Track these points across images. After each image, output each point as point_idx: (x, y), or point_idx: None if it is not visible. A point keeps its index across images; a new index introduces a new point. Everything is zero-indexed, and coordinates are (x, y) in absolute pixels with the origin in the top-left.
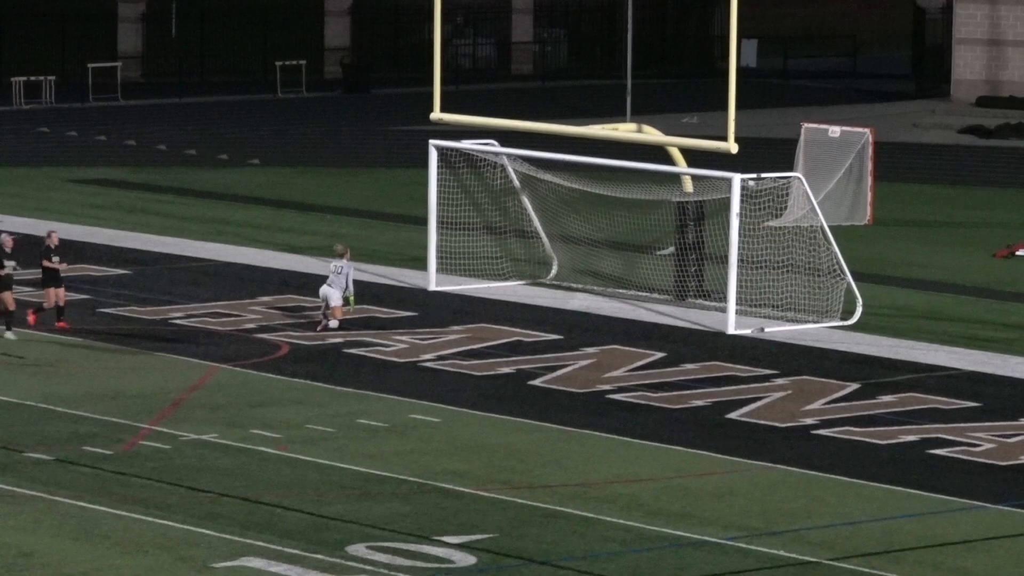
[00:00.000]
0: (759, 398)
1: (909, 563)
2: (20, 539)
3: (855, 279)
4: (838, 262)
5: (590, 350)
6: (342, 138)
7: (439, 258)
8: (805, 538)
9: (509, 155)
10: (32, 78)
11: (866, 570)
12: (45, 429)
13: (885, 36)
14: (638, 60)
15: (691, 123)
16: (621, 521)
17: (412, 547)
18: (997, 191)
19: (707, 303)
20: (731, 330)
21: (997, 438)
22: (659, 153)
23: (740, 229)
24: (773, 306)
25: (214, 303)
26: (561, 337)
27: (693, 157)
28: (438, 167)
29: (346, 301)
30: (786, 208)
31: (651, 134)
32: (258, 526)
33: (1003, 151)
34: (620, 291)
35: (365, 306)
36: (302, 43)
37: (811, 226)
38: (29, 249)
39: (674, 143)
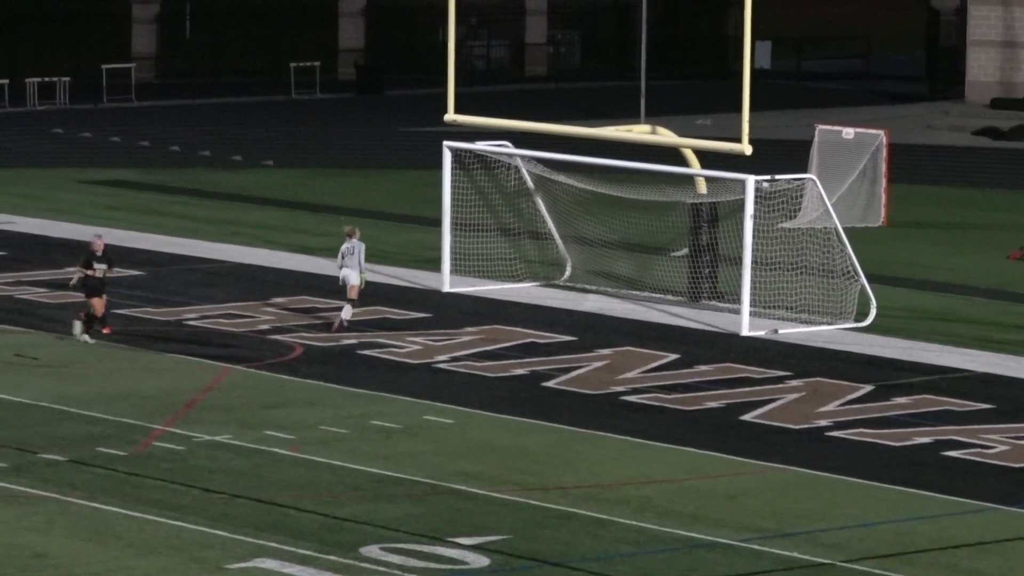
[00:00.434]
0: (773, 400)
1: (922, 565)
2: (34, 540)
3: (869, 281)
4: (852, 264)
5: (604, 351)
6: (356, 139)
7: (453, 259)
8: (818, 540)
9: (523, 156)
10: (46, 79)
11: (879, 572)
12: (59, 430)
13: (899, 38)
14: (652, 62)
15: (705, 125)
16: (634, 522)
17: (425, 548)
18: (1011, 193)
19: (721, 305)
20: (745, 332)
21: (1011, 440)
22: (673, 155)
23: (754, 231)
24: (787, 308)
25: (228, 304)
26: (575, 338)
27: (707, 159)
28: (452, 168)
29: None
30: (800, 210)
31: (665, 136)
32: (272, 527)
33: (1017, 153)
34: (634, 292)
35: (378, 307)
36: (316, 44)
37: (825, 228)
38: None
39: (688, 145)
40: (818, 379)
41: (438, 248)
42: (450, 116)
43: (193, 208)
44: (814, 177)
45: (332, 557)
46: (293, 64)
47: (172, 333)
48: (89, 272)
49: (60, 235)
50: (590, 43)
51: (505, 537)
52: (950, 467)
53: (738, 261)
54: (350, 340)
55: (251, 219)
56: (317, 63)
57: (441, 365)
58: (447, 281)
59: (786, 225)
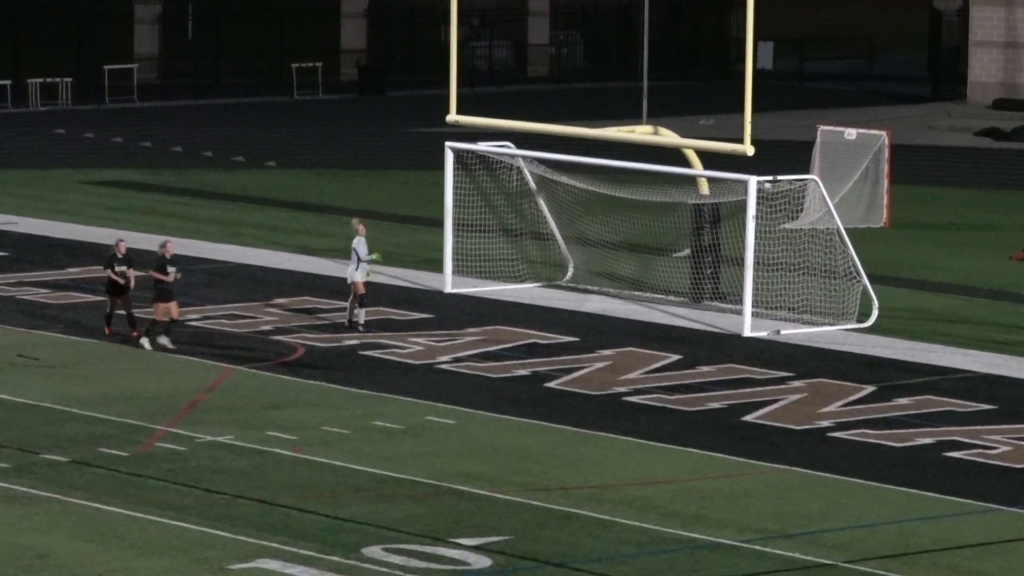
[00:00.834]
0: (775, 400)
1: (924, 566)
2: (36, 540)
3: (871, 281)
4: (854, 264)
5: (606, 352)
6: (358, 140)
7: (455, 260)
8: (820, 540)
9: (525, 157)
10: (49, 80)
11: (881, 572)
12: (61, 430)
13: (901, 38)
14: (654, 62)
15: (707, 125)
16: (636, 523)
17: (427, 549)
18: (1013, 193)
19: (723, 305)
20: (747, 332)
21: (1013, 440)
22: (675, 155)
23: (756, 231)
24: (789, 308)
25: (230, 305)
26: (577, 339)
27: (709, 159)
28: (454, 169)
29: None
30: (802, 210)
31: (667, 136)
32: (274, 528)
33: (1019, 154)
34: (636, 293)
35: (381, 308)
36: (318, 45)
37: (827, 228)
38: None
39: (690, 145)
40: (820, 380)
41: (440, 249)
42: (452, 117)
43: (195, 209)
44: (816, 178)
45: (334, 558)
46: (295, 65)
47: (174, 333)
48: (163, 276)
49: (62, 236)
50: (592, 44)
51: (507, 538)
52: (952, 468)
53: (740, 262)
54: (352, 341)
55: (253, 220)
56: (319, 64)
57: (443, 366)
58: (449, 282)
59: (788, 226)
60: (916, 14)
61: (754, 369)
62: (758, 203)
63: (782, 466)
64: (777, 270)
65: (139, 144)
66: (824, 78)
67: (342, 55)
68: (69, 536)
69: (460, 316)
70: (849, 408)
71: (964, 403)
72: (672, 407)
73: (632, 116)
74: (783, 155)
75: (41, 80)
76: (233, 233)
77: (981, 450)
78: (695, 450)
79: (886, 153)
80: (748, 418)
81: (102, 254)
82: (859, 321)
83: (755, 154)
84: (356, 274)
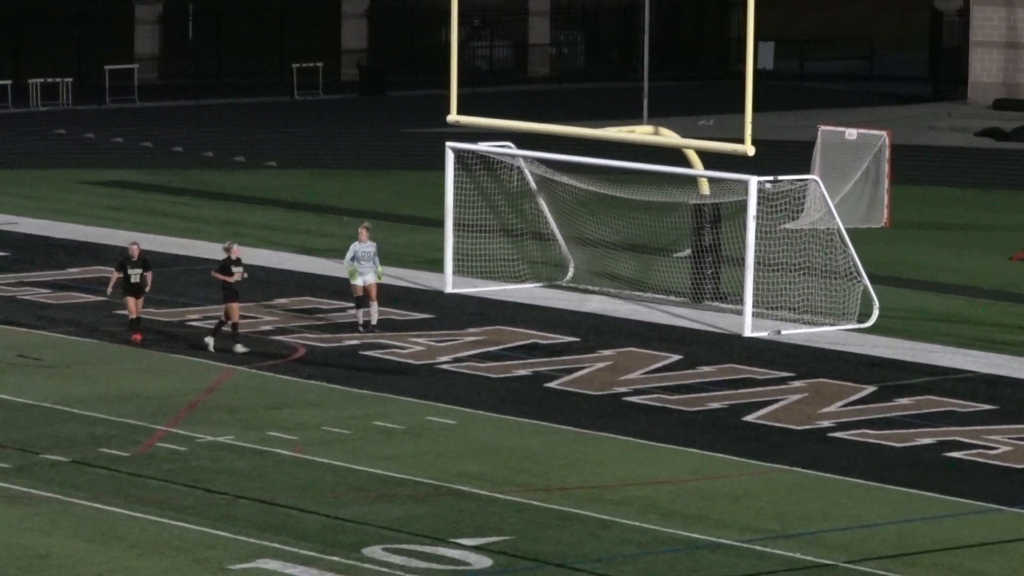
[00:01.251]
0: (775, 400)
1: (925, 566)
2: (36, 541)
3: (872, 282)
4: (855, 265)
5: (606, 352)
6: (359, 140)
7: (456, 260)
8: (821, 541)
9: (526, 157)
10: (49, 80)
11: (882, 573)
12: (61, 431)
13: (902, 38)
14: (655, 62)
15: (708, 125)
16: (637, 523)
17: (428, 549)
18: (1014, 194)
19: (724, 305)
20: (747, 332)
21: (1014, 441)
22: (676, 155)
23: (757, 231)
24: (790, 308)
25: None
26: (577, 339)
27: (710, 159)
28: (455, 169)
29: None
30: (803, 211)
31: (668, 136)
32: (274, 528)
33: (1020, 154)
34: (636, 293)
35: (381, 308)
36: (319, 45)
37: (828, 229)
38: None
39: (691, 145)
40: (821, 380)
41: (441, 249)
42: (453, 117)
43: (196, 209)
44: (817, 178)
45: (334, 558)
46: (296, 65)
47: (175, 334)
48: (229, 279)
49: (63, 236)
50: (593, 44)
51: (508, 538)
52: (953, 468)
53: (741, 262)
54: (353, 341)
55: (254, 220)
56: (320, 64)
57: (444, 366)
58: (450, 282)
59: (789, 226)
60: (917, 14)
61: (755, 369)
62: (759, 203)
63: (783, 466)
64: (778, 270)
65: (140, 144)
66: (825, 78)
67: (343, 55)
68: (70, 536)
69: (461, 316)
70: (850, 408)
71: (965, 403)
72: (673, 407)
73: (633, 116)
74: (784, 155)
75: (42, 80)
76: (233, 233)
77: (982, 450)
78: (696, 450)
79: (887, 153)
80: (749, 418)
81: (102, 254)
82: (860, 321)
83: (756, 154)
84: (369, 277)
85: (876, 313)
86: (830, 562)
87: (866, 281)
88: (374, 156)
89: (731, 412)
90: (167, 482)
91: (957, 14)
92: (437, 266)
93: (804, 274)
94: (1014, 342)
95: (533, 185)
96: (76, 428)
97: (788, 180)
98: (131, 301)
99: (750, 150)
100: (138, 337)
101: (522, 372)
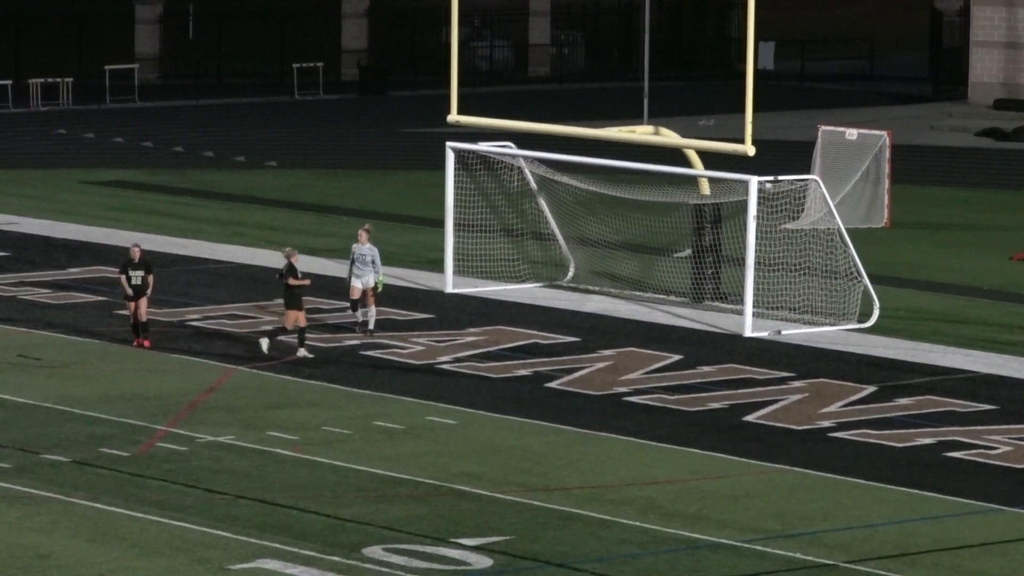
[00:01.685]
0: (776, 400)
1: (926, 566)
2: (37, 540)
3: (872, 282)
4: (855, 265)
5: (607, 352)
6: (359, 140)
7: (456, 260)
8: (822, 541)
9: (526, 157)
10: (49, 80)
11: (882, 573)
12: (62, 431)
13: (902, 39)
14: (655, 62)
15: (708, 125)
16: (637, 523)
17: (428, 549)
18: (1014, 194)
19: (724, 305)
20: (748, 332)
21: (1014, 441)
22: (676, 155)
23: (757, 232)
24: (790, 309)
25: (231, 305)
26: (578, 339)
27: (710, 159)
28: (455, 169)
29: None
30: (803, 211)
31: (668, 136)
32: (275, 528)
33: (1020, 154)
34: (637, 293)
35: (382, 308)
36: (319, 45)
37: (828, 229)
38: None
39: (691, 145)
40: (821, 380)
41: (441, 249)
42: (453, 117)
43: (196, 209)
44: (817, 178)
45: (335, 558)
46: (296, 65)
47: (175, 333)
48: (302, 281)
49: (63, 236)
50: (593, 44)
51: (508, 538)
52: (953, 468)
53: (741, 262)
54: (353, 341)
55: (254, 220)
56: (320, 64)
57: (444, 366)
58: (450, 282)
59: (789, 226)
60: (917, 14)
61: (755, 369)
62: (759, 203)
63: (783, 466)
64: (778, 270)
65: (140, 144)
66: (825, 78)
67: (343, 55)
68: (70, 536)
69: (461, 316)
70: (850, 408)
71: (965, 403)
72: (673, 407)
73: (633, 116)
74: (784, 155)
75: (42, 80)
76: (234, 233)
77: (982, 450)
78: (696, 450)
79: (887, 153)
80: (749, 418)
81: (102, 254)
82: (860, 321)
83: (756, 154)
84: (368, 279)
85: (876, 313)
86: (830, 562)
87: (866, 281)
88: (374, 156)
89: (731, 412)
90: (167, 482)
91: (957, 14)
92: (437, 266)
93: (804, 274)
94: (1014, 342)
95: (533, 185)
96: (76, 428)
97: (788, 180)
98: (132, 304)
99: (750, 150)
100: (147, 344)
101: (522, 372)
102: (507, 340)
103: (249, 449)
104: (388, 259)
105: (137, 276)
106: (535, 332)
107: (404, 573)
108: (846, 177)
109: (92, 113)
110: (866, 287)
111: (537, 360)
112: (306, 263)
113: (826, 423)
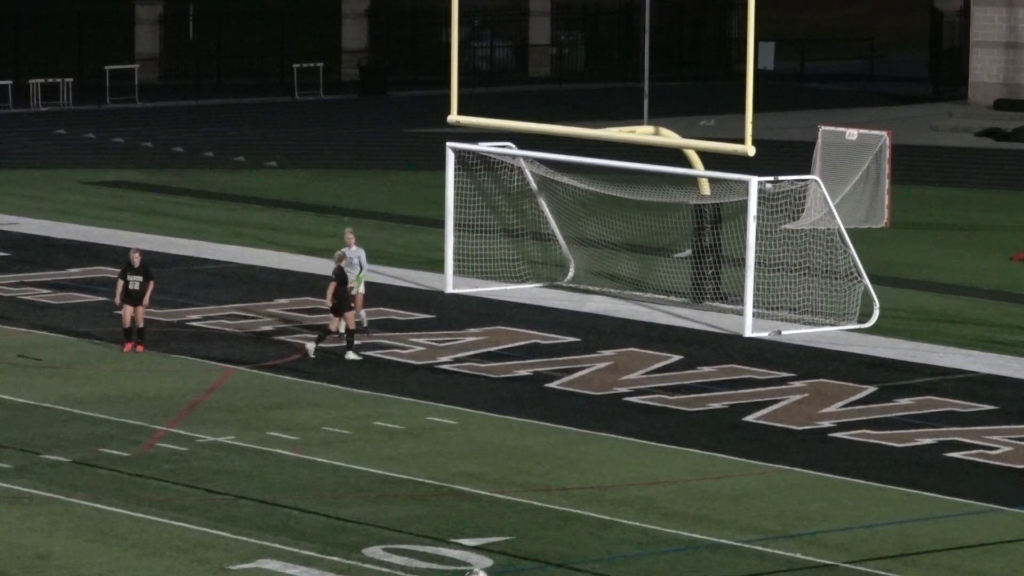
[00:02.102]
0: (776, 401)
1: (926, 566)
2: (37, 541)
3: (872, 282)
4: (855, 265)
5: (607, 353)
6: (359, 140)
7: (456, 260)
8: (822, 541)
9: (526, 157)
10: (49, 80)
11: (883, 573)
12: (62, 431)
13: (902, 39)
14: (655, 63)
15: (708, 126)
16: (638, 524)
17: (429, 549)
18: (1014, 194)
19: (724, 306)
20: (748, 333)
21: (1014, 441)
22: (676, 156)
23: (757, 232)
24: (790, 309)
25: (231, 305)
26: (578, 340)
27: (710, 160)
28: (455, 169)
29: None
30: (803, 211)
31: (668, 137)
32: (275, 528)
33: (1020, 154)
34: (637, 294)
35: (382, 308)
36: (319, 45)
37: (828, 229)
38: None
39: (691, 146)
40: (821, 380)
41: (441, 249)
42: (453, 117)
43: (196, 209)
44: (817, 178)
45: (335, 558)
46: (296, 65)
47: (176, 334)
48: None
49: (63, 236)
50: (594, 44)
51: (508, 538)
52: (953, 468)
53: (741, 262)
54: (354, 341)
55: (254, 220)
56: (320, 64)
57: (444, 366)
58: (450, 282)
59: (789, 226)
60: (917, 15)
61: (755, 369)
62: (759, 203)
63: (783, 466)
64: (778, 270)
65: (140, 144)
66: (825, 78)
67: (343, 55)
68: (70, 536)
69: (461, 316)
70: (850, 408)
71: (965, 404)
72: (673, 407)
73: (633, 116)
74: (784, 155)
75: (42, 80)
76: (234, 233)
77: (982, 450)
78: (696, 450)
79: (887, 153)
80: (749, 418)
81: (102, 254)
82: (860, 321)
83: (756, 154)
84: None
85: (876, 313)
86: (831, 562)
87: (866, 281)
88: (374, 156)
89: (732, 412)
90: (168, 482)
91: (957, 14)
92: (437, 266)
93: (805, 274)
94: (1014, 342)
95: (533, 185)
96: (77, 428)
97: (789, 180)
98: (128, 309)
99: (751, 150)
100: (128, 348)
101: (522, 372)
102: (507, 340)
103: (249, 449)
104: (388, 259)
105: (135, 281)
106: (535, 332)
107: (404, 573)
108: (846, 177)
109: (92, 113)
110: (866, 287)
111: (537, 360)
112: (307, 263)
113: (826, 423)
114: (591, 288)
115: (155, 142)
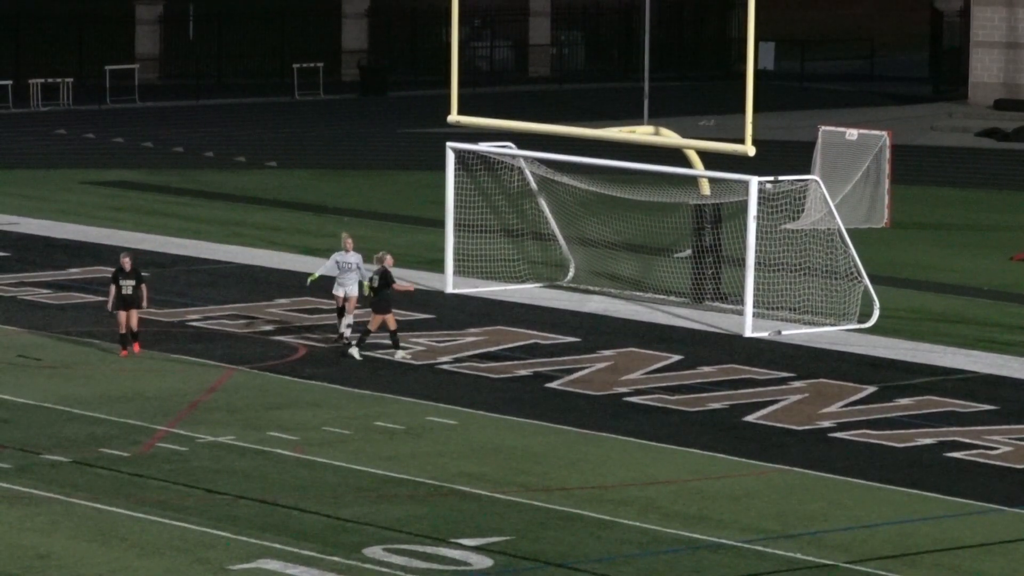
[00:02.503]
0: (776, 401)
1: (926, 566)
2: (37, 541)
3: (872, 282)
4: (855, 265)
5: (607, 353)
6: (359, 140)
7: (456, 260)
8: (822, 541)
9: (526, 157)
10: (50, 80)
11: (883, 573)
12: (62, 431)
13: (902, 39)
14: (655, 63)
15: (708, 126)
16: (638, 524)
17: (429, 549)
18: (1014, 194)
19: (724, 306)
20: (748, 333)
21: (1014, 441)
22: (676, 156)
23: (757, 232)
24: (790, 309)
25: (231, 305)
26: (578, 339)
27: (710, 160)
28: (455, 169)
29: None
30: (803, 211)
31: (668, 137)
32: (275, 528)
33: (1020, 154)
34: (637, 294)
35: None
36: (319, 45)
37: (828, 229)
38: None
39: (691, 146)
40: (821, 380)
41: (441, 249)
42: (453, 117)
43: (196, 209)
44: (817, 178)
45: (335, 558)
46: (296, 65)
47: (176, 334)
48: (406, 287)
49: (63, 236)
50: (594, 44)
51: (508, 538)
52: (953, 468)
53: (741, 262)
54: (353, 341)
55: (254, 220)
56: (320, 64)
57: (444, 366)
58: (450, 282)
59: (789, 226)
60: (917, 15)
61: (755, 369)
62: (759, 203)
63: (783, 466)
64: (778, 270)
65: (140, 144)
66: (825, 78)
67: (343, 55)
68: (70, 536)
69: (461, 316)
70: (850, 408)
71: (965, 404)
72: (673, 407)
73: (633, 116)
74: (784, 155)
75: (42, 80)
76: (234, 233)
77: (982, 450)
78: (696, 450)
79: (887, 154)
80: (749, 418)
81: (102, 254)
82: (860, 321)
83: (756, 154)
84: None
85: (876, 313)
86: (831, 562)
87: (866, 281)
88: (375, 156)
89: (732, 412)
90: (168, 482)
91: (958, 14)
92: (437, 266)
93: (805, 274)
94: (1014, 342)
95: (534, 185)
96: (77, 428)
97: (789, 180)
98: (122, 315)
99: (751, 150)
100: (125, 354)
101: (523, 372)
102: (507, 340)
103: (249, 449)
104: None
105: (128, 286)
106: (535, 332)
107: (404, 573)
108: (846, 177)
109: (92, 113)
110: (866, 287)
111: (537, 360)
112: (307, 263)
113: (826, 423)
114: (591, 288)
115: (155, 142)
